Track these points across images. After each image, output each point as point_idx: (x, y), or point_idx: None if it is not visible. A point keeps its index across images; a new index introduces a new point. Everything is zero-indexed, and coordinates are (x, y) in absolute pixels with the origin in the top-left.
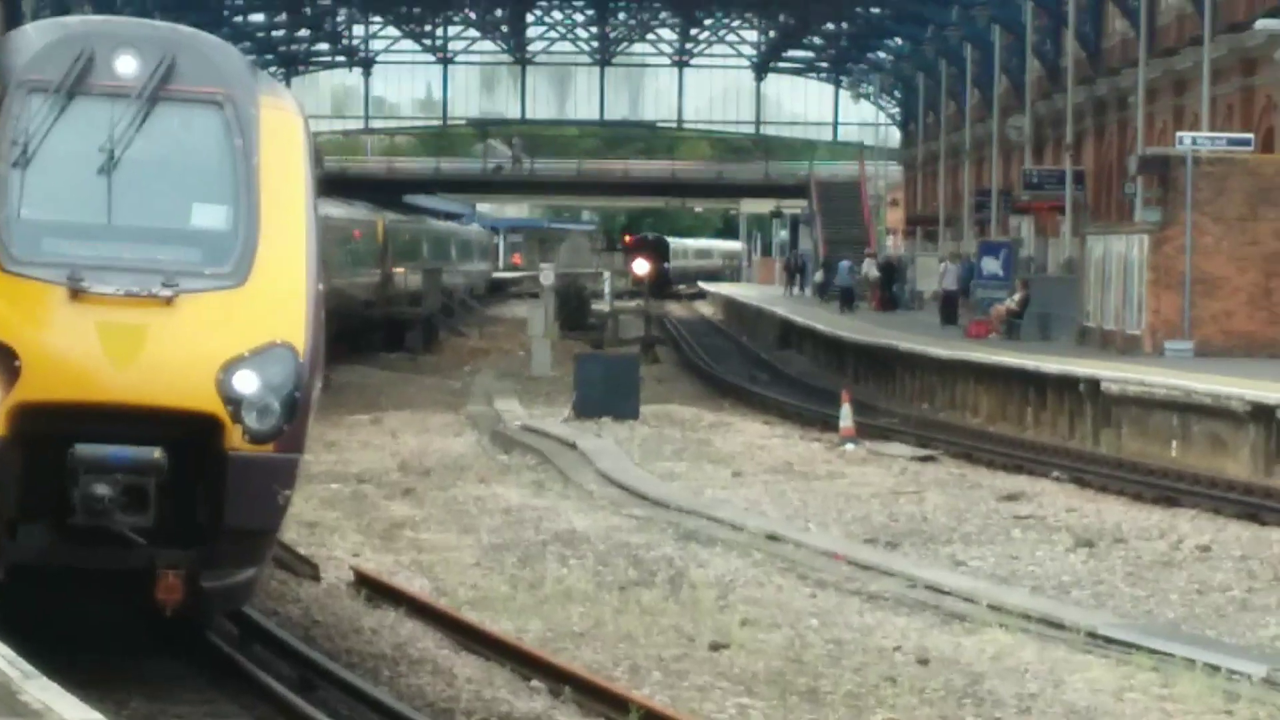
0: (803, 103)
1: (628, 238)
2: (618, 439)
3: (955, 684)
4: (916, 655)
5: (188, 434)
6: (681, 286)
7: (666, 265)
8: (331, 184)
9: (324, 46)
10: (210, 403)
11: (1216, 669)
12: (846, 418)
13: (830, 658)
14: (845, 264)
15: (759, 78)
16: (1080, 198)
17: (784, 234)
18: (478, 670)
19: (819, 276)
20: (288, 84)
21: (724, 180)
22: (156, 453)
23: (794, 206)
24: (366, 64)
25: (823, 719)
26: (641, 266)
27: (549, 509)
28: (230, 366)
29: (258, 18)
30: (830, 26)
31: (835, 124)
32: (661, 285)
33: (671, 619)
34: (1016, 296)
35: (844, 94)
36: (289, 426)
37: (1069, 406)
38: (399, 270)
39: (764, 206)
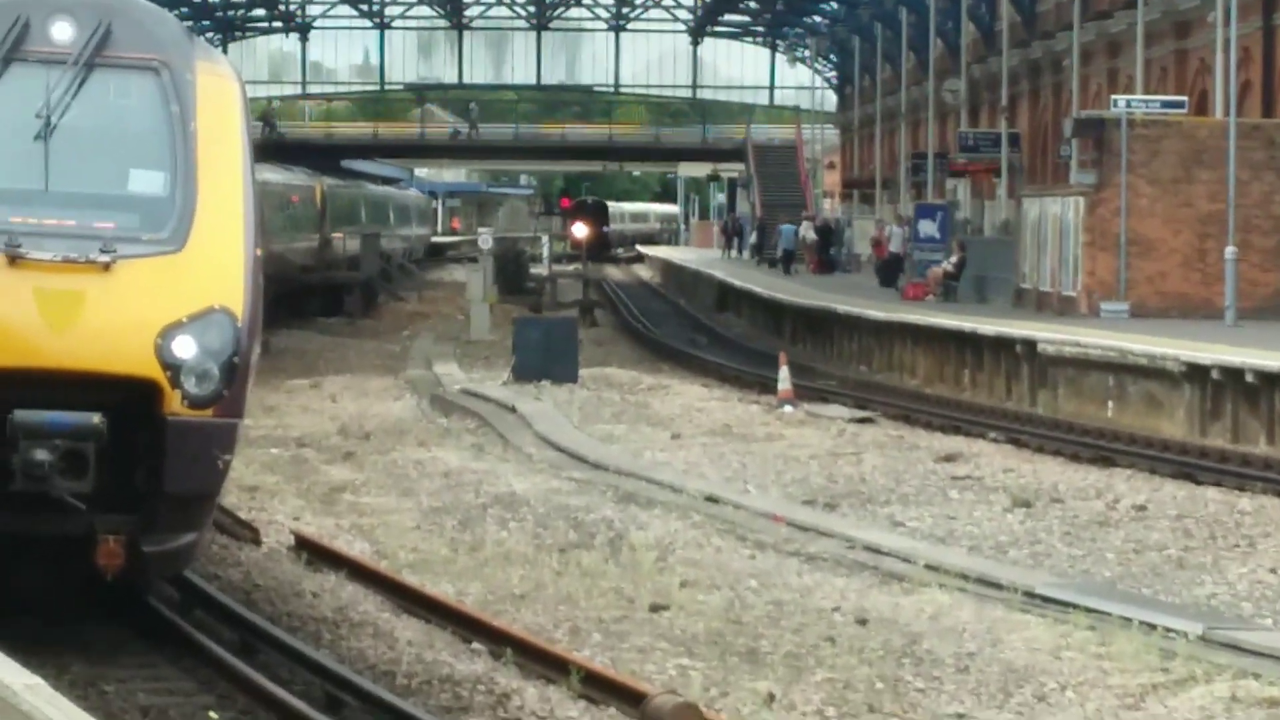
0: (739, 66)
1: (565, 201)
2: (556, 402)
3: (894, 644)
4: (855, 616)
5: (127, 399)
6: (619, 250)
7: (606, 229)
8: (269, 149)
9: (260, 12)
10: (149, 368)
11: (1153, 627)
12: (784, 380)
13: (769, 619)
14: (790, 227)
15: (695, 42)
16: (1015, 160)
17: (721, 197)
18: (419, 633)
19: (753, 239)
20: (224, 50)
21: (661, 144)
22: (96, 418)
23: (731, 170)
24: (303, 29)
25: (762, 679)
26: (581, 230)
27: (488, 472)
28: (169, 332)
29: None
30: None
31: (771, 88)
32: (600, 249)
33: (611, 581)
34: (953, 259)
35: (780, 58)
36: (228, 391)
37: (1006, 368)
38: (337, 235)
39: (701, 170)
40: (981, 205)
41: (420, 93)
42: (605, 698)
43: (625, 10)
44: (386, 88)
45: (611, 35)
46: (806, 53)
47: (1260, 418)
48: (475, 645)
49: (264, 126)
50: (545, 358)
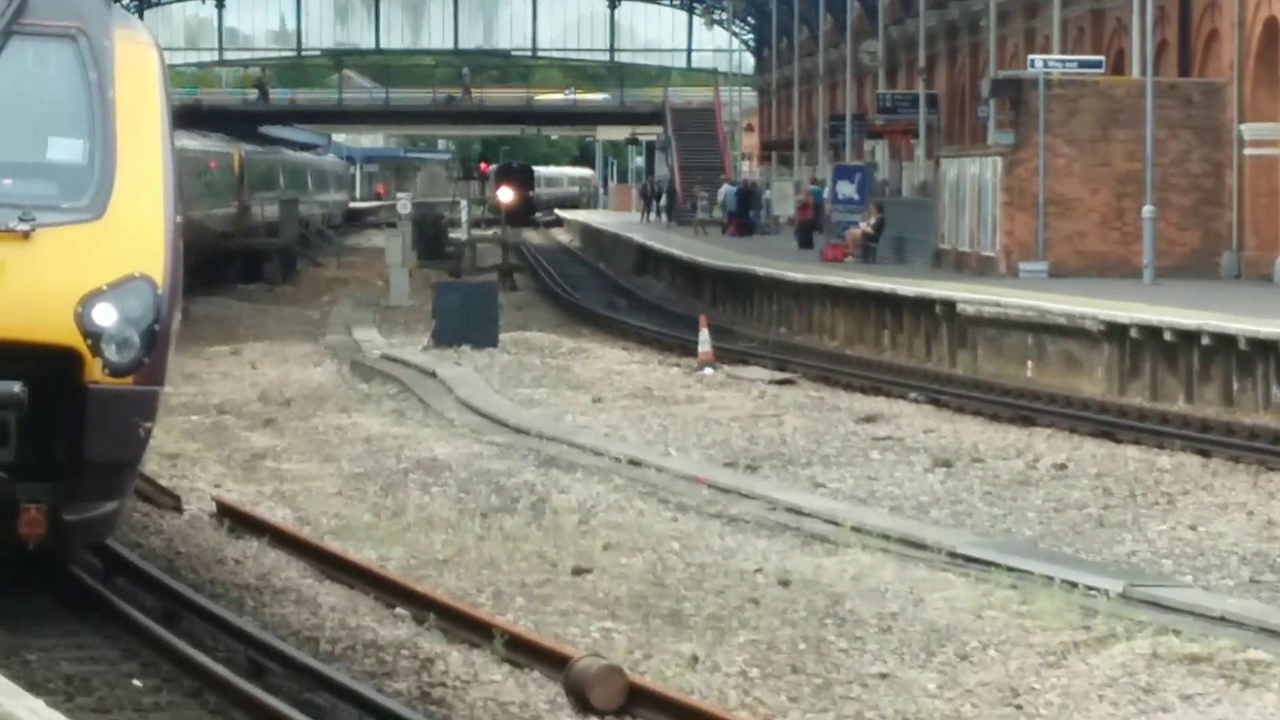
0: (656, 30)
1: (484, 166)
2: (477, 366)
3: (817, 605)
4: (778, 577)
5: (47, 368)
6: (538, 214)
7: (531, 194)
8: (188, 115)
9: None
10: (69, 336)
11: (1074, 585)
12: (705, 343)
13: (692, 581)
14: (732, 188)
15: (613, 5)
16: (934, 121)
17: (640, 160)
18: (342, 599)
19: (664, 201)
20: (141, 17)
21: (579, 108)
22: (16, 387)
23: (650, 133)
24: None
25: (686, 641)
26: (507, 195)
27: (410, 437)
28: (89, 300)
29: None
30: None
31: (689, 51)
32: (525, 213)
33: (534, 545)
34: (872, 220)
35: (698, 20)
36: (149, 359)
37: (925, 328)
38: (256, 202)
39: (620, 133)
40: (900, 166)
41: (338, 58)
42: (529, 661)
43: None
44: (304, 53)
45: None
46: (724, 15)
47: (1178, 376)
48: (398, 610)
49: (259, 95)
50: (465, 322)
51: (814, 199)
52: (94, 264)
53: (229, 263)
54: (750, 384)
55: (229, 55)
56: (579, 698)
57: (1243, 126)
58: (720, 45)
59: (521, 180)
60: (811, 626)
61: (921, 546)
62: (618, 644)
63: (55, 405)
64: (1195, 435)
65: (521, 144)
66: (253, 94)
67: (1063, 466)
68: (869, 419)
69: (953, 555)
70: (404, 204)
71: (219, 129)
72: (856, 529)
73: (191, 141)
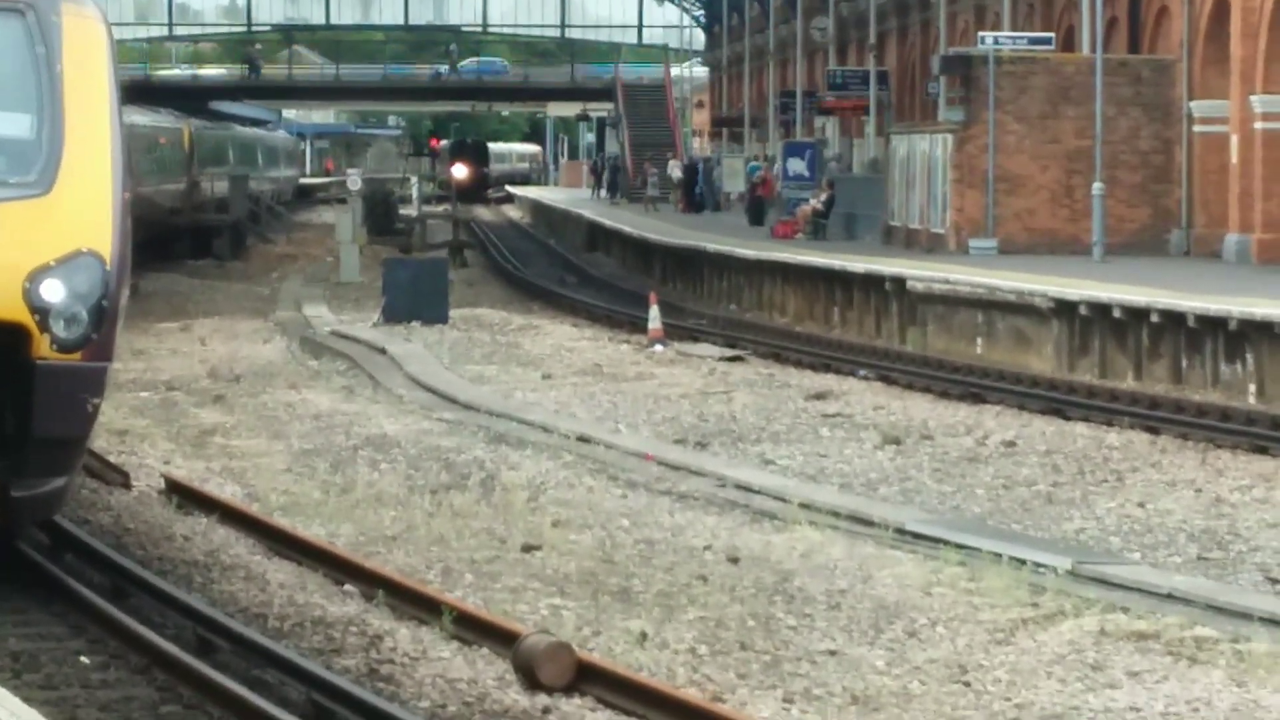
0: (607, 6)
1: (434, 142)
2: (427, 343)
3: (765, 581)
4: (727, 554)
5: None
6: (489, 191)
7: (486, 170)
8: (137, 91)
9: None
10: (17, 312)
11: (1022, 562)
12: (655, 319)
13: (641, 557)
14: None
15: None
16: (884, 98)
17: (591, 137)
18: (290, 575)
19: (607, 177)
20: None
21: (530, 84)
22: None
23: (600, 109)
24: None
25: (635, 618)
26: (461, 171)
27: (359, 414)
28: (36, 275)
29: None
30: None
31: (640, 27)
32: (479, 189)
33: (483, 521)
34: (822, 196)
35: None
36: (97, 335)
37: (875, 305)
38: (206, 177)
39: (571, 110)
40: (850, 143)
41: (288, 33)
42: (478, 638)
43: None
44: (254, 29)
45: None
46: None
47: (1127, 353)
48: (347, 587)
49: (249, 70)
50: (415, 299)
51: (750, 174)
52: (42, 239)
53: (178, 238)
54: (700, 361)
55: (178, 30)
56: (527, 674)
57: (1192, 104)
58: (671, 21)
59: (476, 157)
60: (760, 603)
61: (870, 523)
62: (566, 621)
63: (2, 381)
64: (1144, 412)
65: (472, 120)
66: (207, 68)
67: (1012, 444)
68: (819, 396)
69: (901, 532)
70: (354, 180)
71: (168, 104)
72: (805, 506)
73: (141, 117)
